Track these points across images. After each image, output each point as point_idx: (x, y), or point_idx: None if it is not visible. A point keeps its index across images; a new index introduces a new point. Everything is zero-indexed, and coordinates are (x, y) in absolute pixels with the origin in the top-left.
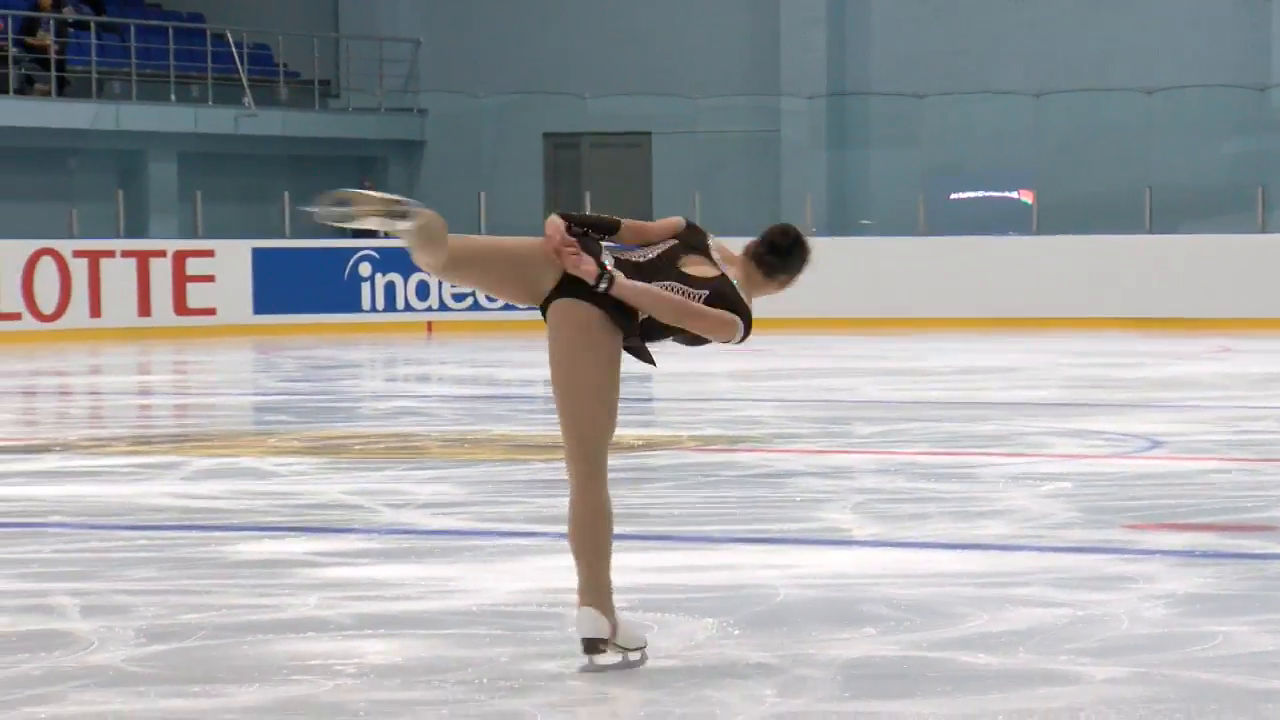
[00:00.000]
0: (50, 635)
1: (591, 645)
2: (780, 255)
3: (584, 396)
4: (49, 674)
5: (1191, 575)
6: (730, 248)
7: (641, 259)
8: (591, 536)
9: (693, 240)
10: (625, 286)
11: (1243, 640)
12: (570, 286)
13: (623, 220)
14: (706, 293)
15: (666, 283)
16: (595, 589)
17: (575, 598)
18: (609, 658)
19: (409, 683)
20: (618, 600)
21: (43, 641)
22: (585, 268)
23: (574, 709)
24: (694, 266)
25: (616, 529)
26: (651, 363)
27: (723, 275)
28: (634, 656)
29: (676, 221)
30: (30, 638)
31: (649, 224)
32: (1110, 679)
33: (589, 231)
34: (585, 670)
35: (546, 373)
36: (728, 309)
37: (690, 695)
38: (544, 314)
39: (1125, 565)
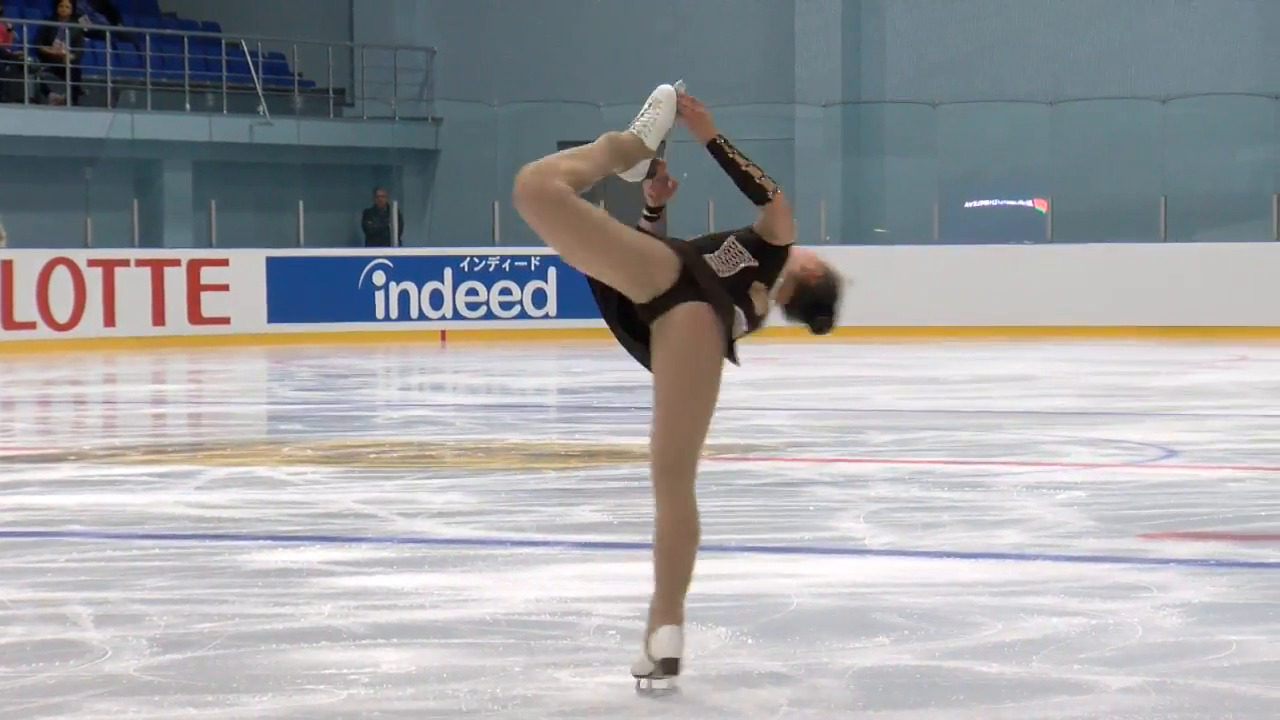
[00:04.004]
0: (65, 644)
1: (671, 666)
2: (812, 317)
3: (693, 405)
4: (64, 683)
5: (1206, 584)
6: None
7: (722, 273)
8: (685, 552)
9: (777, 261)
10: (781, 200)
11: (1257, 649)
12: (687, 289)
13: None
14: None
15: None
16: (676, 607)
17: (589, 607)
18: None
19: (422, 692)
20: (632, 608)
21: (57, 650)
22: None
23: (587, 719)
24: (757, 296)
25: (631, 538)
26: (737, 363)
27: (756, 317)
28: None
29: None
30: (45, 647)
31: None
32: (1125, 688)
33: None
34: (599, 681)
35: (559, 381)
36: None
37: (704, 704)
38: (650, 315)
39: (1140, 574)
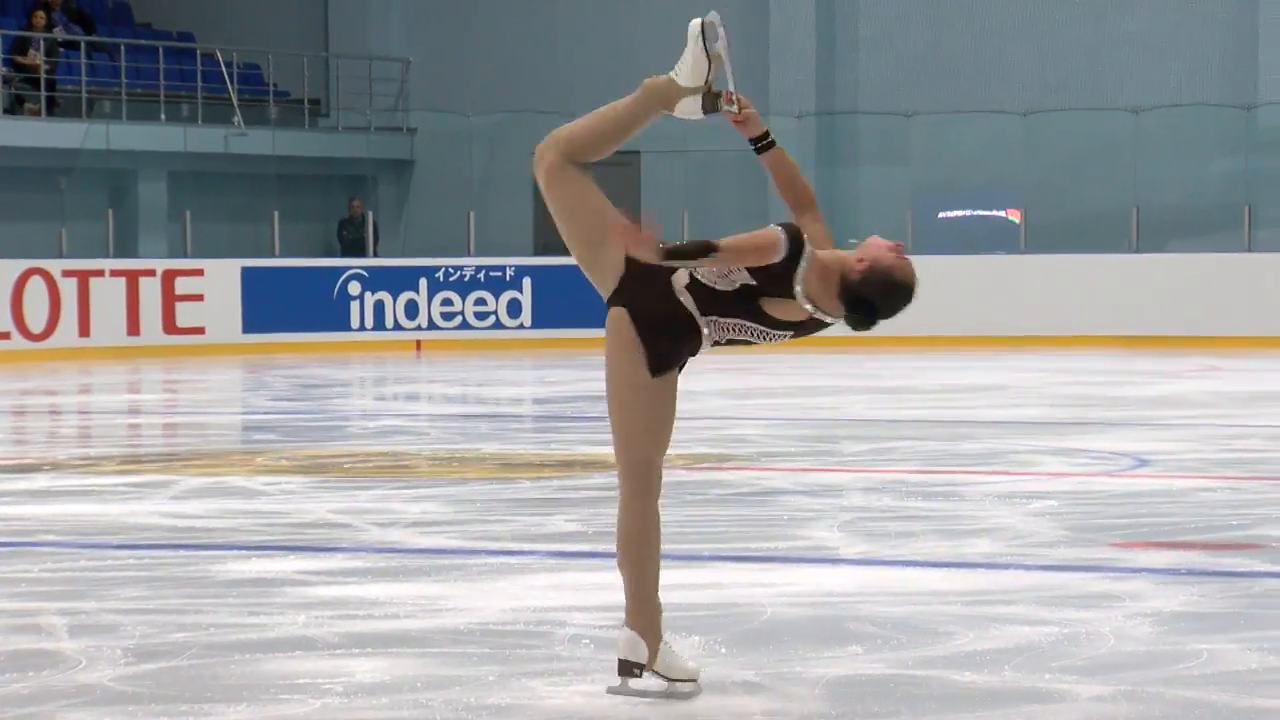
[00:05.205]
0: (39, 654)
1: (625, 667)
2: (870, 316)
3: (617, 416)
4: (38, 693)
5: (1177, 593)
6: (829, 255)
7: (719, 288)
8: (631, 553)
9: (780, 278)
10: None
11: (1228, 658)
12: (620, 295)
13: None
14: (790, 333)
15: (740, 321)
16: (636, 610)
17: (564, 617)
18: (645, 683)
19: (396, 702)
20: (606, 618)
21: (32, 661)
22: (647, 242)
23: None
24: (776, 308)
25: (606, 548)
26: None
27: (811, 320)
28: (684, 688)
29: (771, 236)
30: (19, 657)
31: (746, 239)
32: (1096, 697)
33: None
34: (573, 690)
35: (534, 391)
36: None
37: (677, 713)
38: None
39: (1111, 583)
